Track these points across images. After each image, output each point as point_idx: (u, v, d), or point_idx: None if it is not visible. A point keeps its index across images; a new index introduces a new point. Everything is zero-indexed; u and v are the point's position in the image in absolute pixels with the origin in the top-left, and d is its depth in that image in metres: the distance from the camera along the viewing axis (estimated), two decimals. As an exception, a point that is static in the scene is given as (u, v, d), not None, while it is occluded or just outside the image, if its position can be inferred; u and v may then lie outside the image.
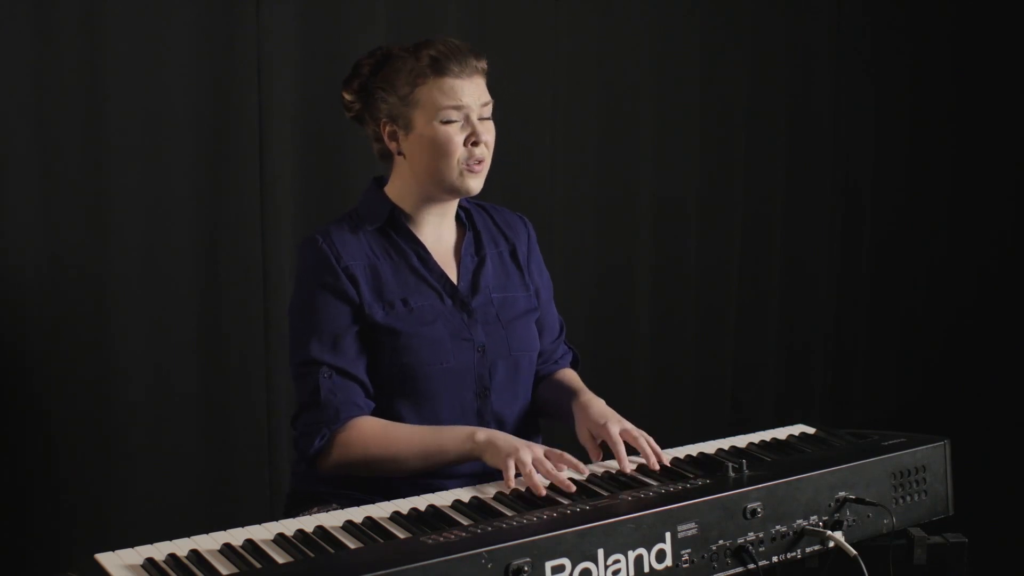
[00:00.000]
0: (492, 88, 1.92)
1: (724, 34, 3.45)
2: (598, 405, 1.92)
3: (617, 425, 1.82)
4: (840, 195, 3.78)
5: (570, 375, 2.10)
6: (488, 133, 1.88)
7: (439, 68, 1.84)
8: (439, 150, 1.85)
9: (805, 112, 3.65)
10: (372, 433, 1.82)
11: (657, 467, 1.74)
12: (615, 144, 3.30)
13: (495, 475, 1.73)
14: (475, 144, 1.85)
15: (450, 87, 1.85)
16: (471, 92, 1.86)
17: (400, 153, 1.91)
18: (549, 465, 1.67)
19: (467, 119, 1.86)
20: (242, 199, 2.69)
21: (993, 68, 3.92)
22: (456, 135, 1.85)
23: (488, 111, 1.89)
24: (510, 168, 3.13)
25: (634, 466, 1.75)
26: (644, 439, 1.78)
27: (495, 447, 1.73)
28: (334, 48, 2.76)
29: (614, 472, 1.74)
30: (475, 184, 1.88)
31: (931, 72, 3.87)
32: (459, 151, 1.85)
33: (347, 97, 1.95)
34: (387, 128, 1.91)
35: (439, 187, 1.89)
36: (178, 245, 2.63)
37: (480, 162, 1.87)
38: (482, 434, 1.77)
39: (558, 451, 1.71)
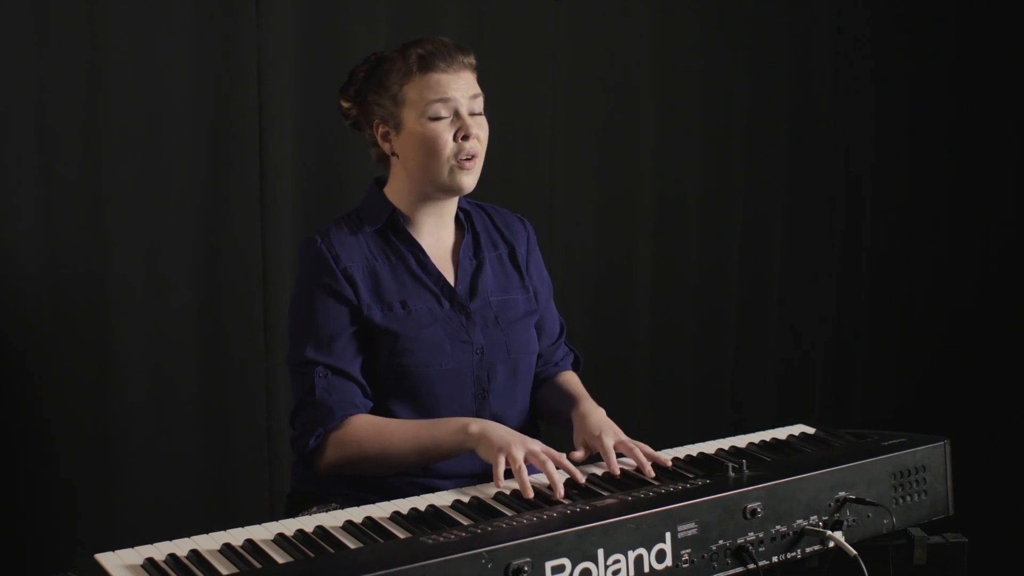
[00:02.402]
0: (488, 85, 1.92)
1: (724, 34, 3.45)
2: (596, 416, 1.91)
3: (612, 437, 1.80)
4: (840, 195, 3.78)
5: (571, 379, 2.09)
6: (479, 128, 1.87)
7: (425, 65, 1.85)
8: (429, 146, 1.85)
9: (805, 112, 3.65)
10: (366, 430, 1.82)
11: (652, 474, 1.71)
12: (615, 144, 3.30)
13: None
14: (465, 138, 1.85)
15: (436, 82, 1.85)
16: (458, 86, 1.86)
17: (394, 154, 1.91)
18: (544, 457, 1.66)
19: (456, 114, 1.85)
20: (242, 199, 2.70)
21: (994, 67, 3.92)
22: (445, 131, 1.85)
23: (479, 105, 1.88)
24: (510, 168, 3.14)
25: (633, 466, 1.75)
26: (639, 450, 1.76)
27: (488, 440, 1.72)
28: (334, 48, 2.77)
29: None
30: (468, 181, 1.88)
31: (931, 72, 3.87)
32: (449, 146, 1.85)
33: (344, 104, 1.96)
34: (380, 129, 1.91)
35: (432, 185, 1.88)
36: (178, 245, 2.63)
37: (471, 157, 1.87)
38: (476, 426, 1.75)
39: (556, 453, 1.70)
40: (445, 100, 1.84)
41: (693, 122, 3.44)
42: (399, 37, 2.28)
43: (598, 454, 1.83)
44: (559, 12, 3.16)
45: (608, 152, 3.29)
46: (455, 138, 1.85)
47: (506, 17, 3.06)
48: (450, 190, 1.89)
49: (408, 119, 1.86)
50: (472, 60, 1.90)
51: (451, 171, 1.86)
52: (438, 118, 1.85)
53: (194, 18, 2.61)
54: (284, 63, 2.72)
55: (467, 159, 1.86)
